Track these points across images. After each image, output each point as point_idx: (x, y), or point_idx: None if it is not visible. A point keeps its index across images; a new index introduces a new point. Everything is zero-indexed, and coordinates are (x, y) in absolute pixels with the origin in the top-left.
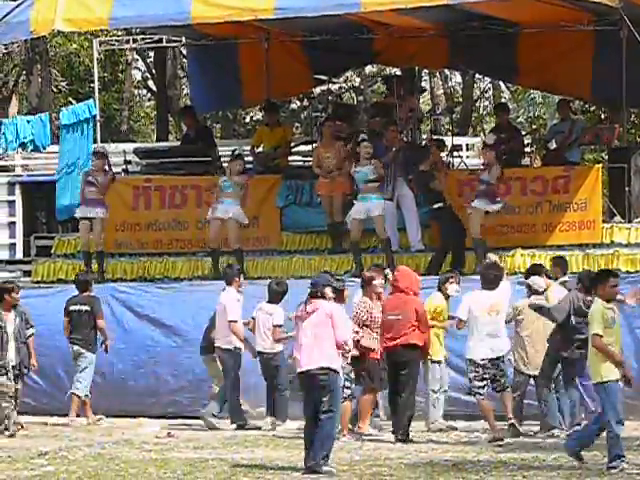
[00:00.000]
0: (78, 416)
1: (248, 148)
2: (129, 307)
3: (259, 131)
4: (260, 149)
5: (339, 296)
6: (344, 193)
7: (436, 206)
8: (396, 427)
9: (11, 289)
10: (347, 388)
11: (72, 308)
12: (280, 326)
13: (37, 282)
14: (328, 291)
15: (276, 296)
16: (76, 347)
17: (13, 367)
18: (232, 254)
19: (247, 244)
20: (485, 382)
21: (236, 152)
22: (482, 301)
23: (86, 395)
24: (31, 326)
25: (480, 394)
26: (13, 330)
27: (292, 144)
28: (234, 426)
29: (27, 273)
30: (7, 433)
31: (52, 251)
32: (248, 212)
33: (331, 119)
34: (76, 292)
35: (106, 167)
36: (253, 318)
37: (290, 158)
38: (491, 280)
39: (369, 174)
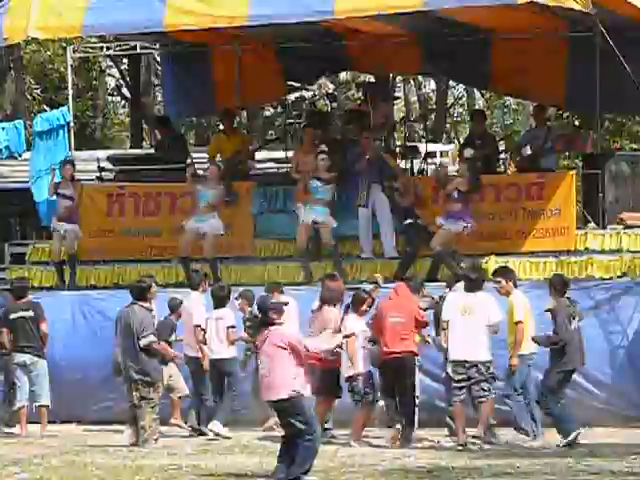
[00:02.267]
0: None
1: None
2: (102, 314)
3: (216, 139)
4: (219, 157)
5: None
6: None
7: (406, 222)
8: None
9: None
10: (366, 394)
11: (14, 316)
12: (233, 327)
13: (8, 290)
14: (274, 315)
15: (221, 300)
16: (28, 356)
17: None
18: (207, 262)
19: (221, 251)
20: (461, 384)
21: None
22: (457, 301)
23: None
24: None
25: (455, 394)
26: None
27: (254, 149)
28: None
29: (1, 280)
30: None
31: (26, 258)
32: (222, 219)
33: (311, 126)
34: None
35: (79, 175)
36: (203, 329)
37: (263, 165)
38: (471, 281)
39: (324, 193)
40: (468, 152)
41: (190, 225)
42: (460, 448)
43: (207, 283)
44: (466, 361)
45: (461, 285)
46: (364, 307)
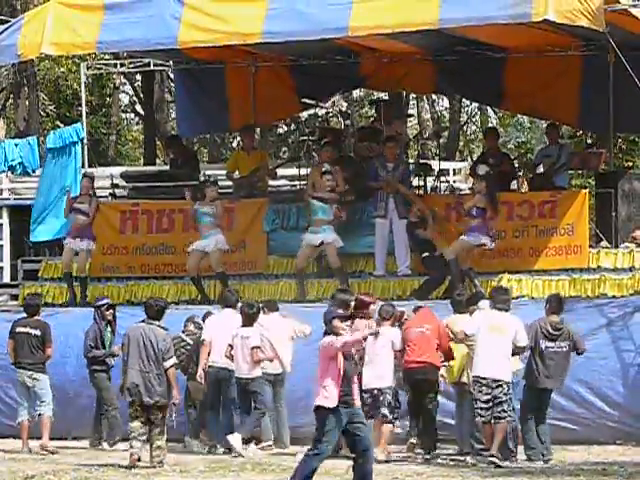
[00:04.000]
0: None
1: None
2: (116, 331)
3: (235, 156)
4: (237, 174)
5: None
6: (338, 218)
7: (424, 255)
8: (425, 447)
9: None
10: (397, 408)
11: (20, 330)
12: (258, 347)
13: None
14: (337, 324)
15: (249, 319)
16: (29, 372)
17: None
18: (215, 278)
19: (234, 268)
20: (488, 404)
21: (211, 178)
22: (487, 319)
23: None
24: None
25: (481, 415)
26: None
27: (276, 166)
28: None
29: (14, 297)
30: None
31: (39, 274)
32: (234, 236)
33: (328, 144)
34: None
35: (91, 191)
36: (231, 345)
37: (276, 182)
38: (501, 301)
39: (326, 212)
40: (482, 169)
41: (195, 247)
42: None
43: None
44: (493, 380)
45: (485, 303)
46: (391, 320)
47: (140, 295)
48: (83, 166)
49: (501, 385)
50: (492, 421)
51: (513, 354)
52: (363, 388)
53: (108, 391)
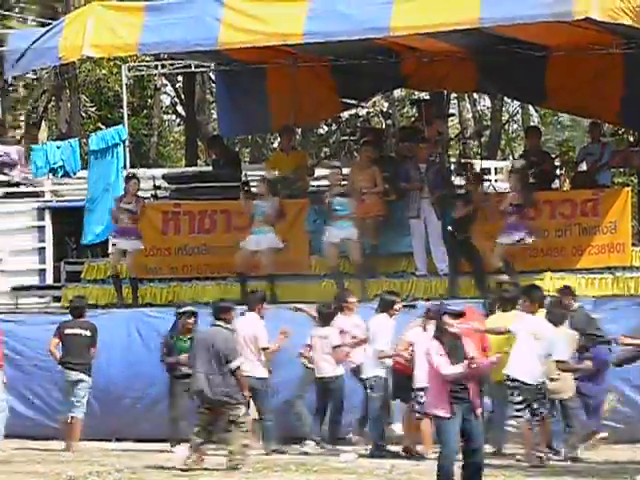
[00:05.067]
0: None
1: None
2: (159, 332)
3: (274, 156)
4: (276, 174)
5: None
6: (376, 215)
7: (460, 237)
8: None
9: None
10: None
11: (69, 332)
12: (339, 346)
13: (67, 307)
14: (448, 320)
15: (326, 318)
16: (75, 372)
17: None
18: (263, 279)
19: (276, 268)
20: (523, 404)
21: (263, 175)
22: (527, 322)
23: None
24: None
25: (518, 416)
26: None
27: (314, 164)
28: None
29: (57, 299)
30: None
31: (82, 276)
32: (277, 236)
33: (367, 144)
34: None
35: (139, 192)
36: (308, 345)
37: (317, 183)
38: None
39: (346, 208)
40: (518, 163)
41: (248, 240)
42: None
43: (263, 306)
44: (523, 382)
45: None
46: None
47: (182, 296)
48: (125, 167)
49: (537, 386)
50: (530, 420)
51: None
52: (418, 386)
53: (179, 398)
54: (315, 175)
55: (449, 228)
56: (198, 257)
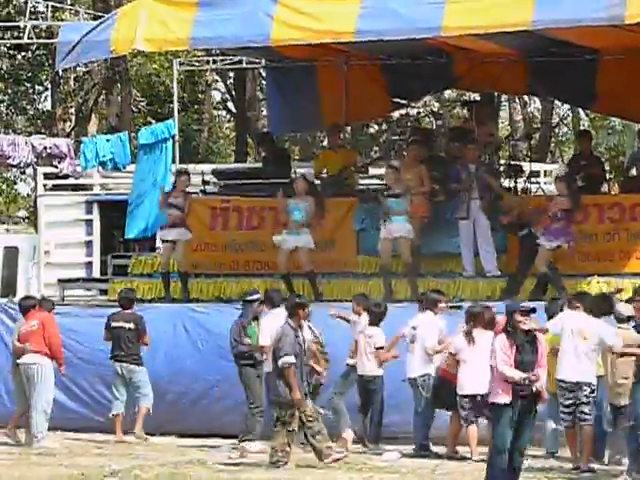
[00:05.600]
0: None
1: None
2: (204, 327)
3: (323, 154)
4: (324, 173)
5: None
6: (421, 216)
7: (522, 233)
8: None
9: (305, 304)
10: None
11: (115, 325)
12: (382, 348)
13: (113, 301)
14: (519, 318)
15: (376, 318)
16: (125, 364)
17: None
18: (305, 277)
19: (323, 266)
20: (570, 408)
21: (299, 173)
22: (571, 321)
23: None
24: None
25: (564, 419)
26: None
27: (366, 163)
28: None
29: (104, 292)
30: (327, 460)
31: (129, 270)
32: (324, 235)
33: (416, 143)
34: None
35: (187, 188)
36: (355, 342)
37: (367, 182)
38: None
39: (400, 205)
40: (562, 169)
41: (281, 239)
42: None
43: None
44: (575, 382)
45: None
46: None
47: (230, 292)
48: (174, 162)
49: (582, 387)
50: (575, 425)
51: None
52: (463, 393)
53: (253, 387)
54: (369, 174)
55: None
56: (245, 253)
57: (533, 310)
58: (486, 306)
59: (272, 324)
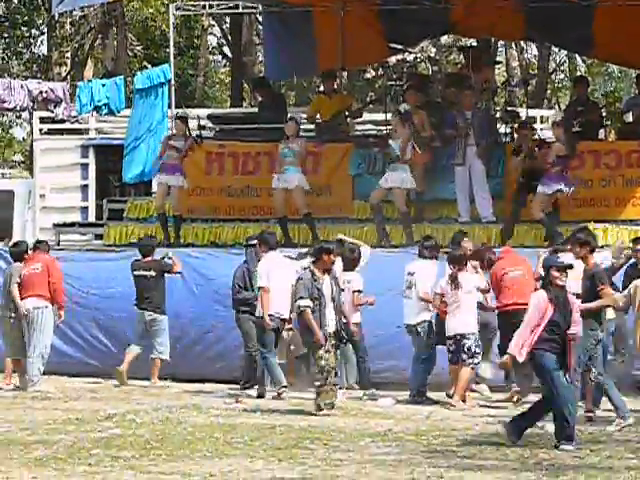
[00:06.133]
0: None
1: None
2: (200, 272)
3: (317, 100)
4: (318, 118)
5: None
6: (424, 163)
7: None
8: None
9: (331, 250)
10: (476, 354)
11: (136, 273)
12: (360, 291)
13: (109, 245)
14: (555, 274)
15: (349, 264)
16: (147, 313)
17: (330, 335)
18: (302, 220)
19: (319, 212)
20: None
21: (289, 116)
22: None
23: (167, 360)
24: (341, 290)
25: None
26: (330, 294)
27: (360, 107)
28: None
29: (99, 236)
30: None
31: (124, 215)
32: (320, 180)
33: (412, 88)
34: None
35: (187, 132)
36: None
37: (362, 127)
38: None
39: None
40: (559, 115)
41: (277, 185)
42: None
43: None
44: None
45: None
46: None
47: (224, 237)
48: (170, 107)
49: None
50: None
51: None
52: (447, 334)
53: (250, 332)
54: (359, 120)
55: (520, 179)
56: (241, 198)
57: (570, 266)
58: (487, 246)
59: (268, 266)
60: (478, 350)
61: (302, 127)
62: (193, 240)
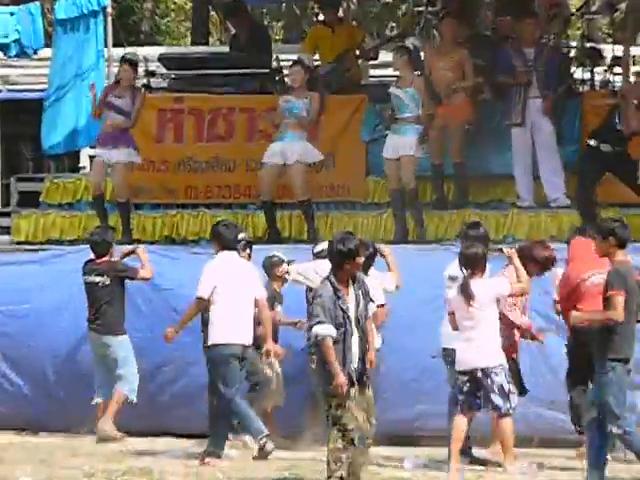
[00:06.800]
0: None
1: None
2: (149, 281)
3: (315, 32)
4: (316, 59)
5: None
6: (463, 121)
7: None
8: None
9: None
10: (513, 393)
11: (87, 279)
12: (382, 306)
13: (20, 243)
14: None
15: (364, 265)
16: (98, 334)
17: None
18: (299, 208)
19: (318, 194)
20: None
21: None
22: None
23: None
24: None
25: None
26: (355, 313)
27: (375, 45)
28: None
29: (6, 230)
30: None
31: (41, 199)
32: (320, 149)
33: (451, 16)
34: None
35: (134, 82)
36: None
37: (378, 72)
38: None
39: (410, 108)
40: None
41: (272, 151)
42: None
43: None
44: None
45: None
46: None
47: (184, 230)
48: (106, 45)
49: None
50: None
51: None
52: (459, 369)
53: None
54: (375, 63)
55: (591, 142)
56: (208, 175)
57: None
58: (541, 243)
59: (217, 271)
60: (513, 388)
61: None
62: (140, 235)
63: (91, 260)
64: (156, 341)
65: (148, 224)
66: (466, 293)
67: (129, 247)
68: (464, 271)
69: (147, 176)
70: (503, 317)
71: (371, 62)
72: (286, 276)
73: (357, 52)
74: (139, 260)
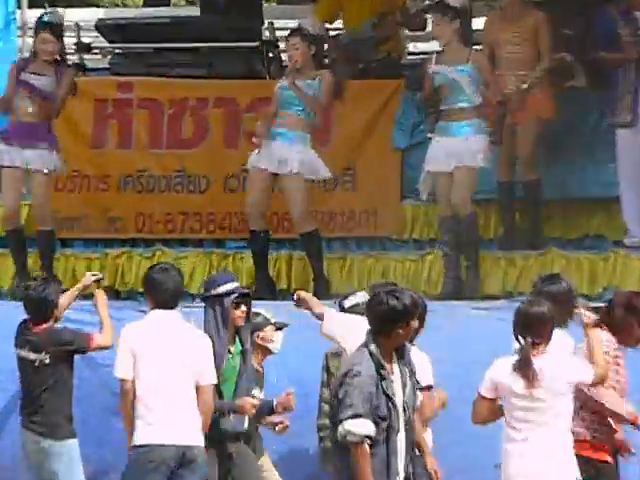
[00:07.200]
0: None
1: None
2: (85, 355)
3: None
4: (334, 28)
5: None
6: (540, 120)
7: None
8: None
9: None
10: None
11: (19, 354)
12: (430, 387)
13: None
14: None
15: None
16: (36, 436)
17: None
18: (300, 245)
19: (330, 225)
20: None
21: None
22: None
23: None
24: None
25: None
26: (402, 401)
27: (420, 13)
28: None
29: None
30: None
31: None
32: (333, 158)
33: None
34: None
35: (57, 56)
36: None
37: (426, 47)
38: None
39: (470, 97)
40: None
41: (258, 163)
42: None
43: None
44: None
45: None
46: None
47: (132, 278)
48: (20, 7)
49: None
50: None
51: None
52: None
53: None
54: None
55: None
56: (168, 197)
57: None
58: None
59: (140, 338)
60: None
61: None
62: (68, 284)
63: (26, 325)
64: (92, 439)
65: (80, 268)
66: (526, 372)
67: (77, 286)
68: (521, 340)
69: (79, 198)
70: (593, 403)
71: (415, 32)
72: (270, 346)
73: (398, 19)
74: (96, 311)
